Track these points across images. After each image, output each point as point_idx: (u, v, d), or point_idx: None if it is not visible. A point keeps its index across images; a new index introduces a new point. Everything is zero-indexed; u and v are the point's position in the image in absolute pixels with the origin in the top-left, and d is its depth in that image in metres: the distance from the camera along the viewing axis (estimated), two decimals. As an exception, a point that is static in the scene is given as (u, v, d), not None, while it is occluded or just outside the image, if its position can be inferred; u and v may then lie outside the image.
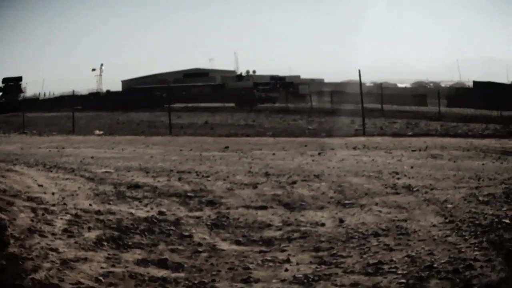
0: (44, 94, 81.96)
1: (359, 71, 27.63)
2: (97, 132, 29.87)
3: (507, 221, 8.07)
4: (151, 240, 8.27)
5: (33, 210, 8.77)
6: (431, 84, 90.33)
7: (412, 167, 13.71)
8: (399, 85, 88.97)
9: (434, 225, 8.34)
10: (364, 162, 15.05)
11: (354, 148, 18.81)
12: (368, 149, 18.47)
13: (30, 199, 9.49)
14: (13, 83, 78.01)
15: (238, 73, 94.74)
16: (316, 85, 77.82)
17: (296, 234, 8.44)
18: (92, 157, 16.96)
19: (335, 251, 7.48)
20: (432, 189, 10.95)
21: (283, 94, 64.95)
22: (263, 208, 10.08)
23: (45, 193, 10.41)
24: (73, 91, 44.97)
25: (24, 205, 8.97)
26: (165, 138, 25.26)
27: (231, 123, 36.24)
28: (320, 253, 7.46)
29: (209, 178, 12.55)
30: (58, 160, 16.04)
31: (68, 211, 9.21)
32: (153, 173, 13.35)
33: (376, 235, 8.05)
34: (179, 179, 12.52)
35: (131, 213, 9.47)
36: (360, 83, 28.47)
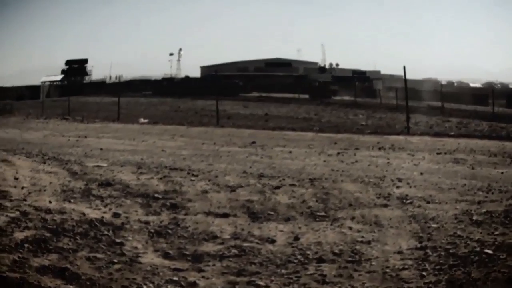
0: (110, 78, 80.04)
1: (404, 67, 25.86)
2: (141, 120, 28.75)
3: (489, 251, 6.36)
4: (77, 245, 7.15)
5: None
6: (499, 85, 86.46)
7: (422, 174, 11.93)
8: (471, 84, 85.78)
9: (398, 252, 6.75)
10: (376, 165, 13.37)
11: (380, 149, 17.05)
12: (394, 150, 16.70)
13: (-5, 192, 8.49)
14: (78, 66, 75.61)
15: (322, 65, 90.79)
16: (394, 81, 74.73)
17: (233, 251, 7.10)
18: (101, 149, 15.99)
19: (254, 279, 6.00)
20: (427, 202, 9.31)
21: (358, 89, 62.16)
22: (225, 216, 8.74)
23: (15, 187, 9.83)
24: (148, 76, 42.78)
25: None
26: (203, 129, 24.05)
27: (291, 115, 34.70)
28: (238, 279, 6.00)
29: (194, 178, 11.34)
30: (64, 151, 15.22)
31: (20, 208, 8.42)
32: (143, 169, 12.37)
33: (320, 260, 6.53)
34: (164, 177, 11.48)
35: (83, 214, 8.50)
36: (405, 80, 26.42)
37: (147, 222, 8.36)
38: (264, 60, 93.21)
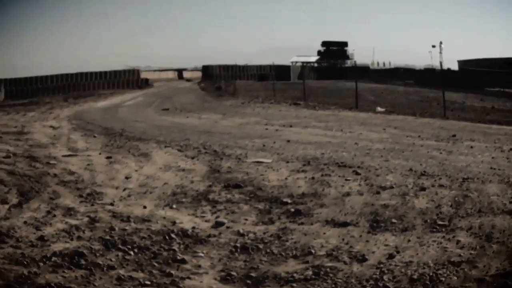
0: (378, 64, 76.05)
1: None
2: (378, 109, 26.94)
3: None
4: (120, 261, 6.12)
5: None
6: None
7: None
8: None
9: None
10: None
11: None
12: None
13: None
14: (336, 48, 70.33)
15: None
16: None
17: (307, 273, 5.77)
18: (287, 141, 14.68)
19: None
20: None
21: None
22: (344, 225, 7.60)
23: (116, 188, 9.63)
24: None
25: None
26: (426, 121, 21.18)
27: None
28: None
29: (352, 178, 10.04)
30: (238, 144, 14.27)
31: (94, 214, 7.94)
32: (307, 167, 11.08)
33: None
34: (318, 176, 10.15)
35: (173, 222, 7.63)
36: None
37: (244, 234, 7.12)
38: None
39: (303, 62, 64.80)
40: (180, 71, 63.04)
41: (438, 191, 8.64)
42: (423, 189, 8.86)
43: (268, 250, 6.45)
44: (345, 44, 70.85)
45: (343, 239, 6.68)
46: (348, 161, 11.46)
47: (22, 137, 16.44)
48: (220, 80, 45.69)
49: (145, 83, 47.71)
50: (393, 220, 7.33)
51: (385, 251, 6.17)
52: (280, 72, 52.96)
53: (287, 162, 11.61)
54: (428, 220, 7.26)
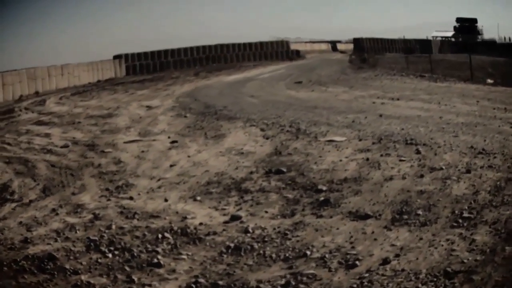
0: (504, 39, 75.06)
1: None
2: (488, 80, 25.37)
3: None
4: (91, 265, 5.81)
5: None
6: None
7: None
8: None
9: None
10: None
11: None
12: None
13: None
14: (468, 24, 74.17)
15: None
16: None
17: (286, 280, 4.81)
18: (380, 115, 13.84)
19: None
20: None
21: None
22: (364, 217, 6.93)
23: (151, 178, 9.35)
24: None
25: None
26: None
27: None
28: None
29: (409, 157, 9.21)
30: (330, 120, 13.55)
31: (102, 211, 7.64)
32: (375, 145, 10.36)
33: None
34: (375, 156, 9.47)
35: (184, 218, 7.28)
36: None
37: (249, 231, 6.56)
38: None
39: (442, 37, 67.95)
40: (334, 43, 65.19)
41: (483, 174, 7.77)
42: (468, 171, 8.03)
43: (261, 252, 5.95)
44: (475, 20, 72.20)
45: (351, 237, 6.10)
46: (419, 137, 10.66)
47: (102, 121, 16.53)
48: (369, 53, 45.22)
49: (296, 55, 47.71)
50: (419, 212, 6.63)
51: (385, 254, 5.47)
52: (423, 46, 55.43)
53: (360, 140, 10.93)
54: (456, 211, 6.46)
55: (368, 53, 45.13)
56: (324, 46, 62.09)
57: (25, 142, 13.62)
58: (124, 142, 12.52)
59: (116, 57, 40.44)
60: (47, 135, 14.44)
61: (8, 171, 10.34)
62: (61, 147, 12.40)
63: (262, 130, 12.79)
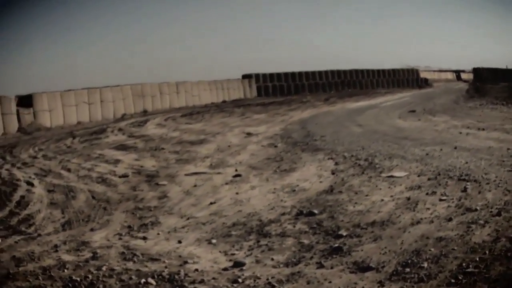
0: None
1: None
2: None
3: None
4: None
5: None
6: None
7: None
8: None
9: None
10: None
11: None
12: None
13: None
14: None
15: None
16: None
17: None
18: (455, 148, 12.92)
19: None
20: None
21: None
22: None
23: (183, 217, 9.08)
24: None
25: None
26: None
27: None
28: None
29: (450, 196, 8.46)
30: (400, 153, 12.82)
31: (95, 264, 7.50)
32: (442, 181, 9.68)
33: None
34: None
35: (181, 264, 6.97)
36: None
37: (237, 281, 6.12)
38: None
39: None
40: (458, 72, 69.41)
41: (512, 218, 7.00)
42: (499, 213, 7.29)
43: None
44: None
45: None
46: (474, 172, 9.93)
47: (187, 148, 16.39)
48: (486, 82, 45.67)
49: (425, 83, 50.57)
50: (424, 264, 5.90)
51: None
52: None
53: (419, 175, 10.24)
54: (464, 264, 5.68)
55: (485, 82, 44.41)
56: (449, 75, 66.29)
57: (86, 168, 13.52)
58: (185, 174, 12.25)
59: (245, 76, 40.86)
60: (116, 162, 14.33)
61: (43, 201, 10.24)
62: (120, 176, 12.25)
63: (336, 163, 12.25)
